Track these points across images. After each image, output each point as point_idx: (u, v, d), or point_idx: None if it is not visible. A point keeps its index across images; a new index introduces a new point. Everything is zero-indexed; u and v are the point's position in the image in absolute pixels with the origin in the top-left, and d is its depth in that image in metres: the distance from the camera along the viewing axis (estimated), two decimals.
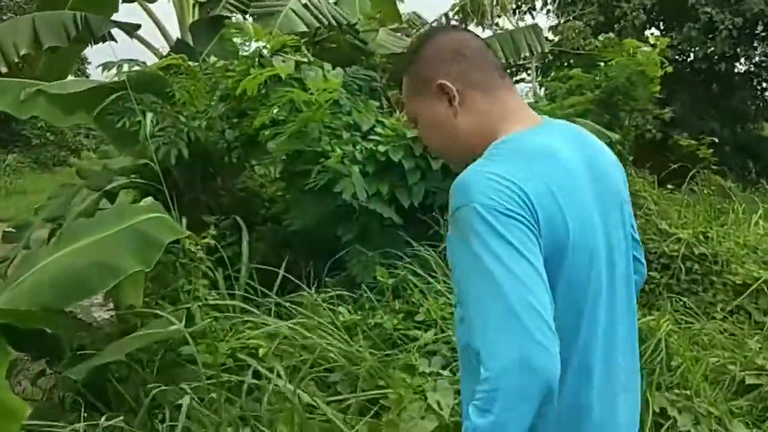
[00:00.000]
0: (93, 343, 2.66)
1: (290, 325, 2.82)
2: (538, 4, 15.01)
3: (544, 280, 1.03)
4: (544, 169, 1.12)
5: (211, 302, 3.09)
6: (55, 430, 2.17)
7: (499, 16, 13.17)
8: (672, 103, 8.02)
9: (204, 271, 3.30)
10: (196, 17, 6.40)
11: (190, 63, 4.46)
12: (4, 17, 17.43)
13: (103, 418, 2.11)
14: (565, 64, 12.21)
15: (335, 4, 5.63)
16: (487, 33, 11.75)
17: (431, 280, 3.45)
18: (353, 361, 2.72)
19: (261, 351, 2.55)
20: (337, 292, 3.49)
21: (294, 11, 5.36)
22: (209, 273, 3.37)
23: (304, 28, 5.15)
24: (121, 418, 2.11)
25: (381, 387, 2.57)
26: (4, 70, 5.26)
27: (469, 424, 0.99)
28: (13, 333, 2.39)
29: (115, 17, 6.17)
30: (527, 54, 6.99)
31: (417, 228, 3.96)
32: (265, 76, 3.91)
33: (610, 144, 4.42)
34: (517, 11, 14.61)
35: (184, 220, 3.55)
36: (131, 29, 6.02)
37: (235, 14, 6.06)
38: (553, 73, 10.47)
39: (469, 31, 1.40)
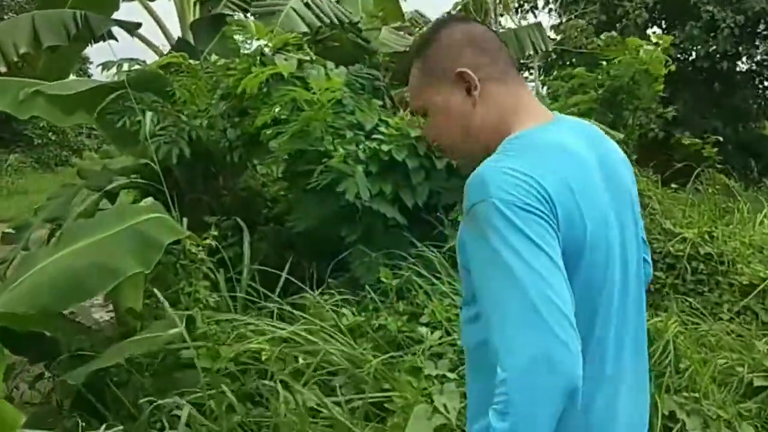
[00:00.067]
0: (92, 346, 2.61)
1: (293, 329, 2.77)
2: (540, 3, 14.98)
3: (564, 275, 1.01)
4: (561, 165, 1.10)
5: (213, 305, 3.04)
6: None
7: (501, 15, 13.11)
8: (674, 102, 7.98)
9: (205, 272, 3.25)
10: (197, 16, 6.36)
11: (191, 61, 4.42)
12: (5, 17, 17.37)
13: (103, 427, 2.06)
14: (567, 63, 12.18)
15: (337, 2, 5.58)
16: None
17: (436, 281, 3.41)
18: (357, 364, 2.68)
19: (264, 355, 2.50)
20: (341, 294, 3.45)
21: (295, 10, 5.32)
22: (210, 274, 3.33)
23: (305, 28, 5.11)
24: (121, 427, 2.06)
25: (386, 390, 2.52)
26: (4, 69, 5.22)
27: (491, 429, 0.95)
28: (11, 336, 2.35)
29: (115, 16, 6.13)
30: (531, 52, 6.95)
31: (421, 228, 3.92)
32: (266, 74, 3.86)
33: None
34: (519, 10, 14.57)
35: (184, 221, 3.51)
36: (132, 28, 5.97)
37: (236, 12, 6.01)
38: (555, 72, 10.41)
39: (482, 23, 1.37)
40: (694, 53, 14.15)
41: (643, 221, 1.29)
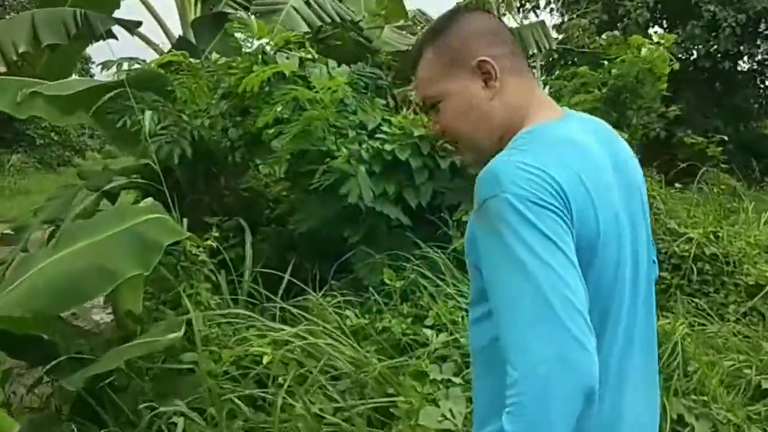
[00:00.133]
0: (91, 350, 2.56)
1: (296, 331, 2.72)
2: (542, 3, 14.96)
3: (579, 272, 0.98)
4: (574, 160, 1.06)
5: (214, 307, 2.99)
6: None
7: (504, 14, 13.07)
8: (676, 102, 7.95)
9: (206, 274, 3.20)
10: (198, 14, 6.31)
11: (191, 60, 4.37)
12: (7, 17, 17.32)
13: None
14: (569, 62, 12.14)
15: (339, 1, 5.53)
16: None
17: (440, 282, 3.36)
18: (361, 368, 2.63)
19: (265, 359, 2.45)
20: (344, 296, 3.40)
21: (296, 9, 5.28)
22: (212, 276, 3.28)
23: (306, 27, 5.07)
24: None
25: (390, 395, 2.48)
26: (3, 69, 5.18)
27: None
28: (9, 339, 2.31)
29: (116, 14, 6.08)
30: (534, 51, 6.91)
31: (425, 229, 3.88)
32: (268, 73, 3.81)
33: None
34: (521, 9, 14.54)
35: (185, 221, 3.47)
36: (132, 26, 5.92)
37: (239, 11, 5.96)
38: (557, 72, 10.38)
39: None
40: (695, 52, 14.14)
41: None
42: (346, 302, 3.37)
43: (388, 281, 3.41)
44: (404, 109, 4.42)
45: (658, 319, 3.10)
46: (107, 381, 2.41)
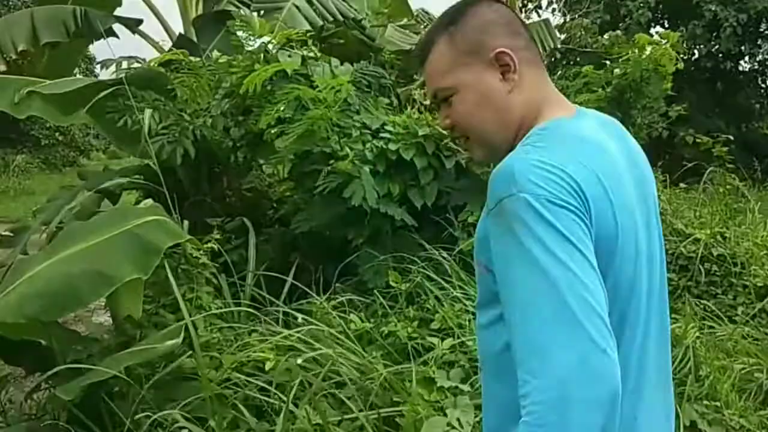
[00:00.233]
0: (89, 356, 2.49)
1: (299, 336, 2.66)
2: (544, 3, 14.92)
3: (599, 275, 0.94)
4: (592, 159, 1.02)
5: (215, 311, 2.92)
6: None
7: None
8: (678, 101, 7.91)
9: (207, 277, 3.13)
10: (200, 12, 6.24)
11: (191, 58, 4.31)
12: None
13: None
14: (571, 62, 12.10)
15: None
16: None
17: (446, 285, 3.30)
18: (366, 374, 2.56)
19: (268, 365, 2.38)
20: (348, 298, 3.34)
21: (297, 7, 5.22)
22: (213, 279, 3.21)
23: (308, 25, 5.01)
24: None
25: (396, 403, 2.41)
26: (3, 68, 5.11)
27: None
28: (5, 345, 2.24)
29: (117, 12, 6.01)
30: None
31: (430, 230, 3.82)
32: (270, 72, 3.74)
33: None
34: (523, 9, 14.48)
35: (185, 223, 3.40)
36: (133, 24, 5.86)
37: (241, 9, 5.90)
38: (560, 71, 10.34)
39: None
40: (696, 52, 14.12)
41: None
42: (350, 305, 3.30)
43: (393, 284, 3.35)
44: (408, 108, 4.36)
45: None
46: (106, 388, 2.35)
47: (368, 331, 3.00)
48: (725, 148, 6.02)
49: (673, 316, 3.59)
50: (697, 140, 6.27)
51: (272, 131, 3.67)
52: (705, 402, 2.89)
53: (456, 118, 1.16)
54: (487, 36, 1.12)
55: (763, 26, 14.32)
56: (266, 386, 2.38)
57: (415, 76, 5.13)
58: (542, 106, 1.13)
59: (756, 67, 15.34)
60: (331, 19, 5.07)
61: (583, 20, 11.60)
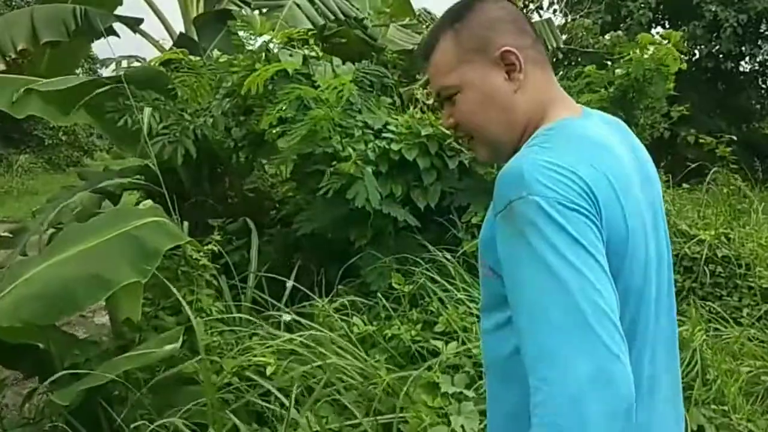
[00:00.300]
0: (86, 361, 2.45)
1: (301, 340, 2.61)
2: (545, 3, 14.89)
3: (611, 279, 0.91)
4: (601, 161, 1.00)
5: (216, 314, 2.88)
6: None
7: None
8: (680, 101, 7.88)
9: (208, 279, 3.09)
10: (201, 11, 6.20)
11: (191, 57, 4.27)
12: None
13: None
14: (573, 63, 12.08)
15: None
16: None
17: (450, 287, 3.26)
18: (369, 379, 2.52)
19: (269, 369, 2.34)
20: (350, 300, 3.30)
21: (299, 5, 5.19)
22: (214, 282, 3.17)
23: (309, 24, 4.97)
24: None
25: (400, 409, 2.36)
26: (2, 67, 5.06)
27: None
28: (2, 349, 2.19)
29: (118, 11, 5.96)
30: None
31: (433, 231, 3.78)
32: (271, 71, 3.70)
33: None
34: (524, 10, 14.46)
35: (185, 224, 3.36)
36: (133, 23, 5.81)
37: (241, 8, 5.85)
38: (561, 72, 10.30)
39: None
40: (697, 53, 14.10)
41: None
42: (352, 307, 3.26)
43: (396, 286, 3.32)
44: (411, 108, 4.32)
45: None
46: (104, 393, 2.31)
47: (371, 334, 2.96)
48: (729, 149, 5.98)
49: (679, 318, 3.55)
50: (701, 140, 6.23)
51: (274, 131, 3.63)
52: (713, 406, 2.86)
53: (459, 117, 1.15)
54: (493, 33, 1.10)
55: (763, 27, 14.31)
56: (270, 389, 2.33)
57: (417, 76, 5.09)
58: (548, 106, 1.11)
59: (756, 67, 15.33)
60: (332, 17, 5.03)
61: (585, 21, 11.60)
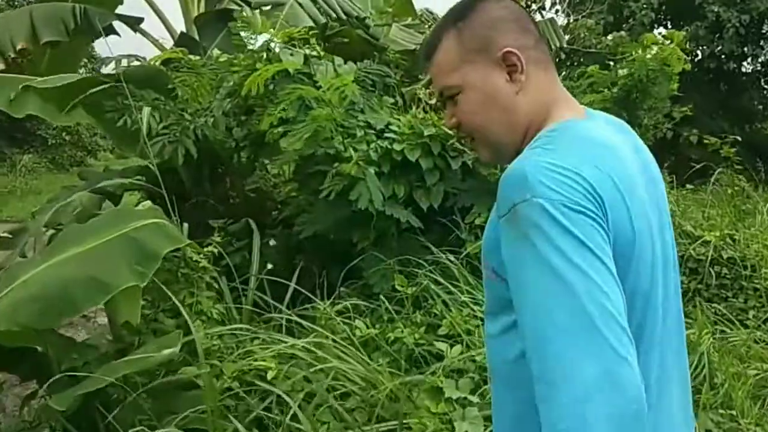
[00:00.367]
0: (85, 364, 2.41)
1: (303, 344, 2.57)
2: (548, 4, 14.87)
3: (618, 282, 0.90)
4: (606, 163, 0.98)
5: (217, 317, 2.84)
6: None
7: None
8: (682, 102, 7.85)
9: (208, 282, 3.04)
10: (201, 10, 6.16)
11: (191, 57, 4.23)
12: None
13: None
14: (575, 63, 12.05)
15: None
16: None
17: (454, 289, 3.22)
18: (372, 383, 2.48)
19: (270, 374, 2.30)
20: (353, 303, 3.26)
21: (300, 4, 5.15)
22: (214, 284, 3.13)
23: (311, 23, 4.93)
24: None
25: (403, 415, 2.32)
26: (1, 66, 5.03)
27: None
28: (0, 352, 2.15)
29: (118, 10, 5.92)
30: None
31: (436, 232, 3.75)
32: (272, 71, 3.66)
33: None
34: (526, 10, 14.48)
35: (185, 226, 3.31)
36: (133, 22, 5.78)
37: (242, 7, 5.81)
38: (564, 72, 10.27)
39: None
40: (700, 53, 14.07)
41: None
42: (355, 310, 3.22)
43: (399, 288, 3.28)
44: (413, 108, 4.28)
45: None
46: (102, 397, 2.27)
47: (374, 337, 2.92)
48: (733, 149, 5.95)
49: (685, 320, 3.51)
50: (705, 141, 6.19)
51: (275, 131, 3.59)
52: (720, 411, 2.82)
53: (461, 118, 1.14)
54: (495, 33, 1.09)
55: (765, 28, 14.25)
56: (273, 391, 2.29)
57: (420, 76, 5.05)
58: (551, 107, 1.10)
59: (759, 68, 15.29)
60: (334, 16, 5.00)
61: (587, 21, 11.56)
